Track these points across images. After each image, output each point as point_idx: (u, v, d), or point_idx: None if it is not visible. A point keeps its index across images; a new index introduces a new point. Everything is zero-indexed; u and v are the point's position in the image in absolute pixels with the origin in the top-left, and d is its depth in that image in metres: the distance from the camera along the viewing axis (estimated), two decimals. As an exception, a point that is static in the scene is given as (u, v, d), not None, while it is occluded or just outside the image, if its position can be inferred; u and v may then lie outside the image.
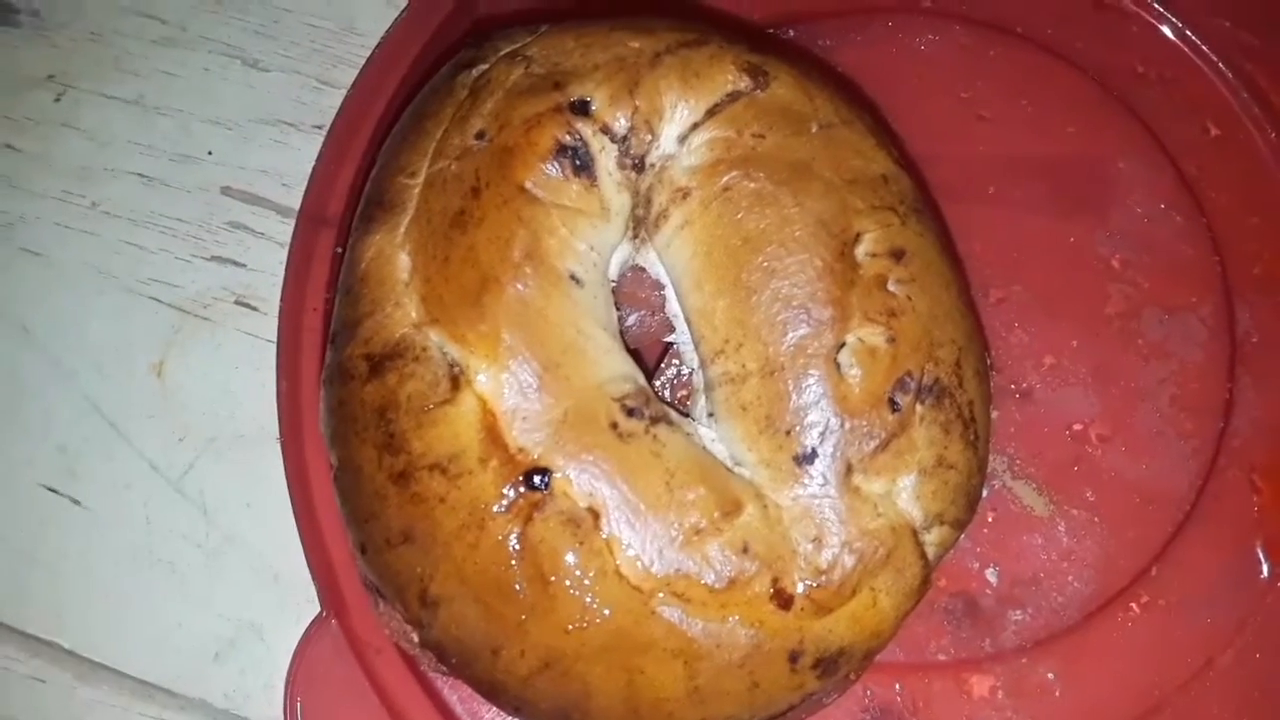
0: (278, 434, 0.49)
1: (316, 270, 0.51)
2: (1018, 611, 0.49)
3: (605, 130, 0.42)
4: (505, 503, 0.38)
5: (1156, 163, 0.55)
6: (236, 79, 0.61)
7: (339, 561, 0.47)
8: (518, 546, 0.38)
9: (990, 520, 0.50)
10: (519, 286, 0.39)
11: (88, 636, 0.52)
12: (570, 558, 0.38)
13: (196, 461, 0.54)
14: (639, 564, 0.38)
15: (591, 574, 0.37)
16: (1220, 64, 0.57)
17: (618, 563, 0.38)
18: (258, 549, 0.53)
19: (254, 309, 0.57)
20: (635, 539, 0.38)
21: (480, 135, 0.41)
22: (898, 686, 0.48)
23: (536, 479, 0.38)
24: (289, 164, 0.59)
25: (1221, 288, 0.53)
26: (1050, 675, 0.48)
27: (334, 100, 0.56)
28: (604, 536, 0.38)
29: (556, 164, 0.41)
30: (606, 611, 0.38)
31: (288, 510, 0.48)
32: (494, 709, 0.47)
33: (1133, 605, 0.49)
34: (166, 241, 0.58)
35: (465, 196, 0.40)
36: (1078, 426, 0.51)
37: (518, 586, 0.38)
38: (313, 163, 0.53)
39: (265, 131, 0.60)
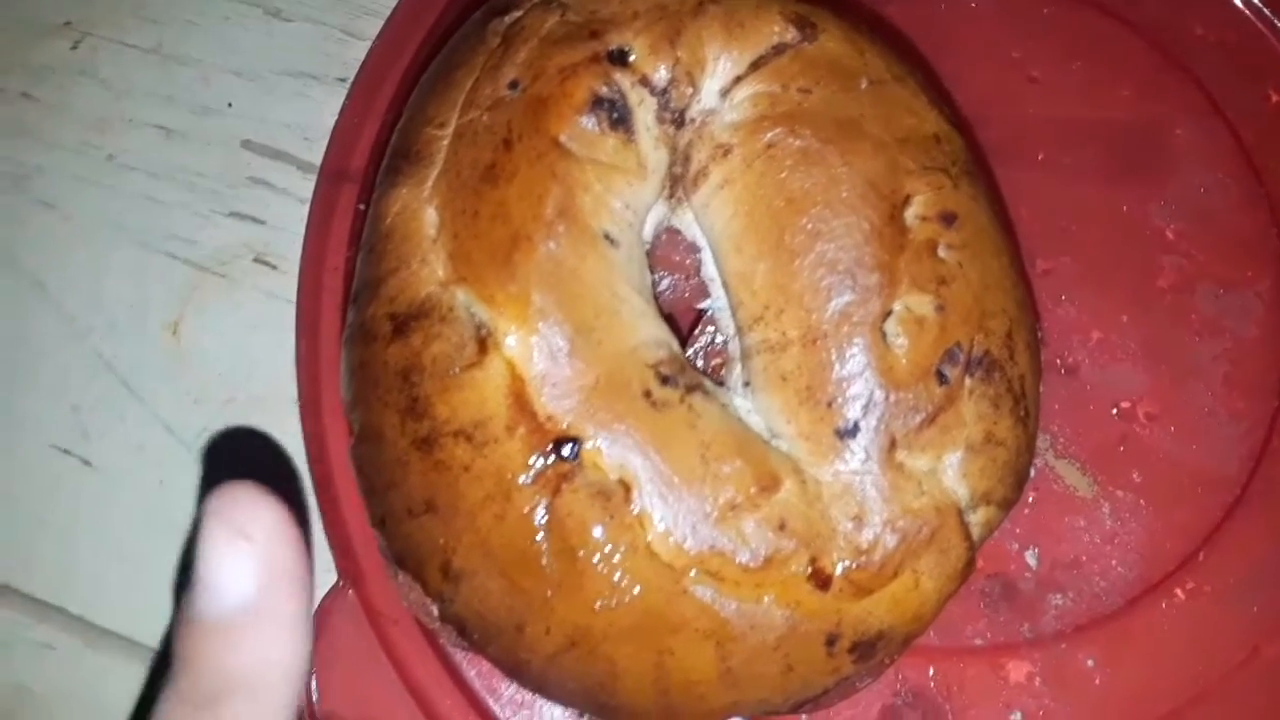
0: (296, 397, 0.48)
1: (338, 227, 0.50)
2: (1058, 596, 0.47)
3: (644, 82, 0.40)
4: (532, 473, 0.36)
5: (1215, 130, 0.53)
6: (257, 29, 0.60)
7: (356, 530, 0.46)
8: (545, 519, 0.36)
9: (1031, 501, 0.48)
10: (551, 245, 0.37)
11: (98, 602, 0.51)
12: (599, 532, 0.36)
13: (212, 424, 0.53)
14: (671, 540, 0.36)
15: (622, 549, 0.36)
16: (1284, 28, 0.55)
17: (649, 538, 0.36)
18: (274, 515, 0.52)
19: (274, 267, 0.56)
20: (668, 513, 0.36)
21: (513, 85, 0.39)
22: (931, 670, 0.46)
23: (565, 449, 0.36)
24: (311, 118, 0.58)
25: (1280, 262, 0.51)
26: (1090, 662, 0.46)
27: (358, 52, 0.54)
28: (635, 511, 0.36)
29: (593, 116, 0.39)
30: (636, 589, 0.36)
31: (305, 476, 0.47)
32: (513, 683, 0.45)
33: (1178, 591, 0.47)
34: (185, 196, 0.57)
35: (496, 149, 0.38)
36: (1125, 404, 0.50)
37: (544, 561, 0.36)
38: (335, 116, 0.52)
39: (287, 84, 0.59)
